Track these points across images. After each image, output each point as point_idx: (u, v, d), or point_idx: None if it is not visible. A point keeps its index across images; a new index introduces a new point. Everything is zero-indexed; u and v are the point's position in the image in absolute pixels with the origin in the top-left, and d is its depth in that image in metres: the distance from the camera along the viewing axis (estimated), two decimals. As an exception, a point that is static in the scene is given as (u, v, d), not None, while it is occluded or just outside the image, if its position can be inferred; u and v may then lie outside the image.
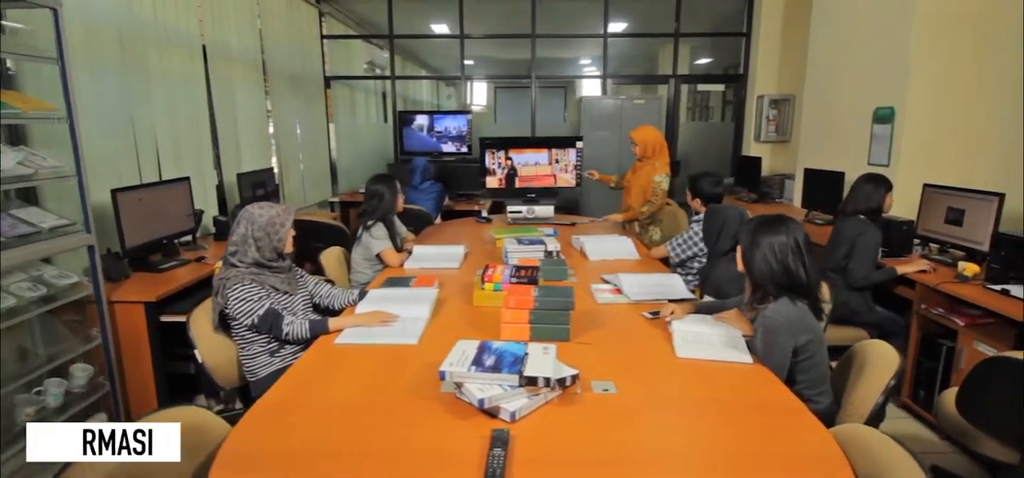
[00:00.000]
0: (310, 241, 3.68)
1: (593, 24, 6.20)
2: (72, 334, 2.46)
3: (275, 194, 4.38)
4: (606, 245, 3.19)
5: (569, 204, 5.70)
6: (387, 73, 6.51)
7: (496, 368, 1.50)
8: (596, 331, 2.04)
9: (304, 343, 1.99)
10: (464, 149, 6.05)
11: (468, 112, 6.08)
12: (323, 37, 6.06)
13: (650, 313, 2.16)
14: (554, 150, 4.10)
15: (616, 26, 6.93)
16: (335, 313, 2.27)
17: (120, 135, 3.12)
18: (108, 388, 2.51)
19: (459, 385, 1.50)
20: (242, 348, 2.05)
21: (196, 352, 1.95)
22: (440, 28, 7.02)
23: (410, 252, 3.09)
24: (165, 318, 2.56)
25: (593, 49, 6.46)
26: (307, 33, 5.69)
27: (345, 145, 6.44)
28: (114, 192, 2.66)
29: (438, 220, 4.78)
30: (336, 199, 5.96)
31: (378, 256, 2.94)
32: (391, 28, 6.09)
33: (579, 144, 4.12)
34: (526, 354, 1.58)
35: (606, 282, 2.57)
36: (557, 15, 6.63)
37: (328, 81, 6.13)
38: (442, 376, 1.51)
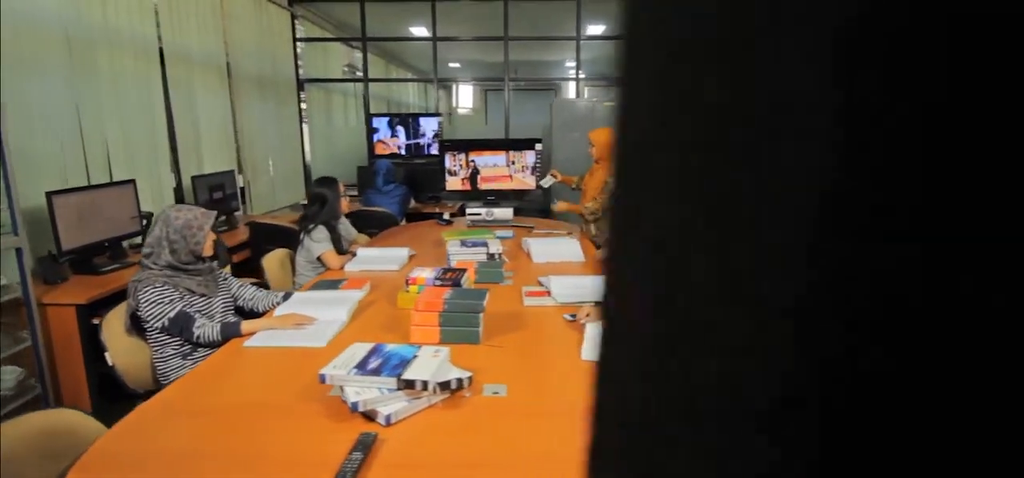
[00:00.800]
0: (265, 243, 3.68)
1: (572, 27, 6.20)
2: (2, 336, 2.46)
3: (236, 197, 4.38)
4: (552, 247, 3.17)
5: (540, 207, 5.69)
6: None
7: (378, 371, 1.49)
8: (514, 334, 2.02)
9: (217, 346, 1.98)
10: (435, 151, 6.05)
11: (438, 114, 6.08)
12: (296, 40, 6.07)
13: (569, 315, 2.15)
14: (511, 152, 4.09)
15: (595, 28, 6.94)
16: (259, 316, 2.27)
17: (66, 137, 3.12)
18: (39, 390, 2.51)
19: (343, 389, 1.49)
20: (155, 351, 2.05)
21: (107, 355, 1.94)
22: (420, 31, 7.04)
23: (354, 254, 3.08)
24: (97, 321, 2.55)
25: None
26: (279, 36, 5.70)
27: (319, 147, 6.45)
28: (49, 194, 2.66)
29: (403, 223, 4.77)
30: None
31: (319, 259, 2.94)
32: (364, 30, 6.10)
33: (538, 146, 4.11)
34: (414, 357, 1.57)
35: (540, 284, 2.55)
36: (537, 18, 6.63)
37: (302, 83, 6.14)
38: (322, 379, 1.50)
